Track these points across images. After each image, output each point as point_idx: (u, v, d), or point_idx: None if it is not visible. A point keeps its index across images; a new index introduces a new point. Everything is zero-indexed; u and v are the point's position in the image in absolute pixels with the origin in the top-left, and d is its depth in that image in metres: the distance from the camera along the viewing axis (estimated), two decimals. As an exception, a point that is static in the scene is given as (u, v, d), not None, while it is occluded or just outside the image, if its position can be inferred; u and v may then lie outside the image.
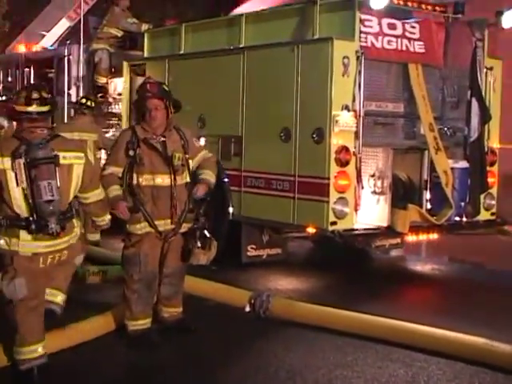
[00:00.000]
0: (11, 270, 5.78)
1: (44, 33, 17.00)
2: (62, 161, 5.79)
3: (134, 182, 6.87)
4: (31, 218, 5.69)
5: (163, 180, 6.89)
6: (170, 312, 7.30)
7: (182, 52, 11.21)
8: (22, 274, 5.77)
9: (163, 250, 7.02)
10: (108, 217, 6.56)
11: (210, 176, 7.16)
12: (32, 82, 14.48)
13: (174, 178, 6.91)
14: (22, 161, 5.63)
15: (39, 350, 6.03)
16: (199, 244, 7.03)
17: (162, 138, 6.94)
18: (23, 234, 5.74)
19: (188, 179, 7.06)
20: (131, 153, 6.83)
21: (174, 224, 6.95)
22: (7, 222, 5.74)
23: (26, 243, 5.77)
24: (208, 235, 7.11)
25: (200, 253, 7.06)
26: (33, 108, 5.83)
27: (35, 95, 5.85)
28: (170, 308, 7.29)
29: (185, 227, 7.05)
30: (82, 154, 6.05)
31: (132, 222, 6.87)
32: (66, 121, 12.84)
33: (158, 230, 6.90)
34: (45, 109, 5.90)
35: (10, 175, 5.66)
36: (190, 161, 7.07)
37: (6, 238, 5.78)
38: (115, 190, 6.82)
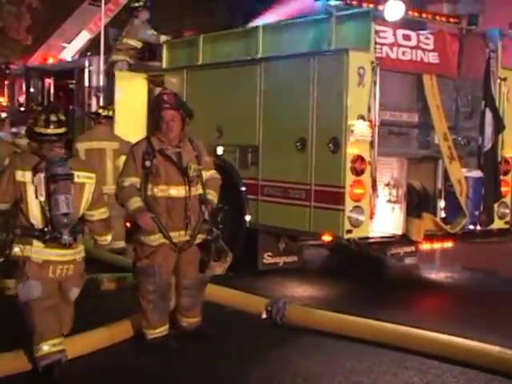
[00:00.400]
0: (24, 274, 6.05)
1: (65, 45, 17.06)
2: (75, 179, 6.14)
3: (149, 192, 6.78)
4: (46, 229, 5.99)
5: (178, 191, 6.80)
6: (189, 322, 7.21)
7: (199, 63, 11.20)
8: (33, 279, 6.04)
9: (179, 262, 6.94)
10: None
11: (213, 197, 7.05)
12: (53, 93, 14.52)
13: (189, 189, 6.83)
14: (42, 175, 5.97)
15: (58, 344, 6.11)
16: (214, 256, 6.97)
17: (178, 149, 6.87)
18: (36, 241, 6.03)
19: (201, 190, 6.98)
20: (148, 163, 6.74)
21: (189, 236, 6.86)
22: (21, 232, 6.04)
23: (38, 249, 6.03)
24: (223, 247, 7.04)
25: (215, 265, 6.99)
26: (51, 130, 6.15)
27: (53, 118, 6.18)
28: (189, 318, 7.21)
29: (200, 238, 6.96)
30: (93, 175, 6.36)
31: (147, 233, 6.76)
32: (85, 130, 12.84)
33: (173, 242, 6.81)
34: (61, 131, 6.20)
35: (30, 188, 5.99)
36: (203, 172, 7.00)
37: (20, 245, 6.05)
38: (137, 202, 6.73)
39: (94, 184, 6.33)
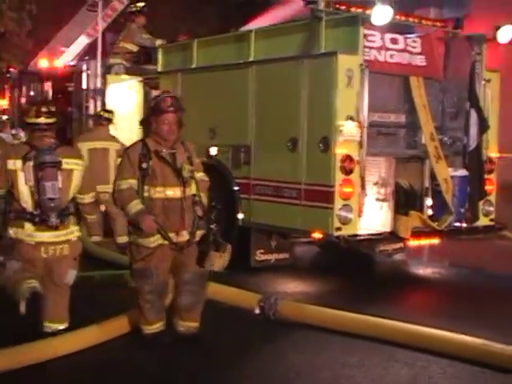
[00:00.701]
0: (16, 255, 6.42)
1: (64, 49, 16.99)
2: (64, 166, 6.51)
3: (146, 194, 6.63)
4: (35, 212, 6.42)
5: (174, 192, 6.67)
6: (187, 326, 6.90)
7: (194, 66, 11.15)
8: (24, 261, 6.42)
9: (178, 260, 6.77)
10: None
11: (203, 198, 6.91)
12: (51, 95, 14.49)
13: (184, 190, 6.71)
14: (31, 163, 6.37)
15: (34, 282, 6.32)
16: (213, 247, 6.86)
17: (172, 150, 6.75)
18: (28, 225, 6.45)
19: (194, 191, 6.84)
20: (144, 165, 6.60)
21: (189, 235, 6.73)
22: (15, 215, 6.46)
23: (30, 232, 6.44)
24: (221, 240, 6.95)
25: (215, 256, 6.86)
26: (41, 120, 6.54)
27: (44, 109, 6.59)
28: (187, 322, 6.90)
29: (199, 235, 6.84)
30: (81, 162, 6.79)
31: (145, 235, 6.61)
32: (83, 132, 12.83)
33: (173, 242, 6.66)
34: (51, 121, 6.60)
35: (20, 175, 6.40)
36: (195, 173, 6.87)
37: (14, 228, 6.46)
38: (138, 204, 6.57)
39: (83, 170, 6.70)
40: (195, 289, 6.86)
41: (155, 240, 6.64)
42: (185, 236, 6.73)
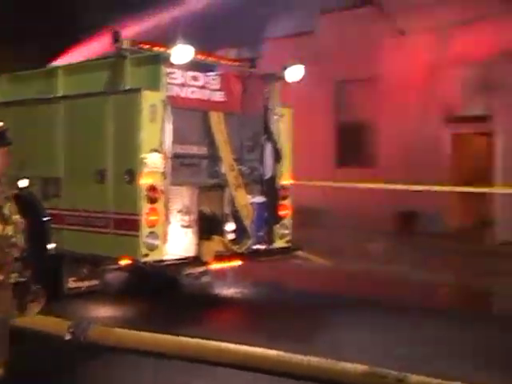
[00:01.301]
0: None
1: None
2: None
3: None
4: None
5: None
6: None
7: (4, 100, 10.93)
8: None
9: None
10: None
11: (20, 241, 6.46)
12: None
13: (4, 228, 6.31)
14: None
15: None
16: (32, 297, 6.67)
17: None
18: None
19: (11, 231, 6.43)
20: None
21: (4, 275, 6.28)
22: None
23: None
24: (37, 287, 6.75)
25: (34, 306, 6.70)
26: None
27: None
28: None
29: (14, 277, 6.43)
30: None
31: None
32: None
33: None
34: None
35: None
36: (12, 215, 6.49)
37: None
38: None
39: None
40: None
41: None
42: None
